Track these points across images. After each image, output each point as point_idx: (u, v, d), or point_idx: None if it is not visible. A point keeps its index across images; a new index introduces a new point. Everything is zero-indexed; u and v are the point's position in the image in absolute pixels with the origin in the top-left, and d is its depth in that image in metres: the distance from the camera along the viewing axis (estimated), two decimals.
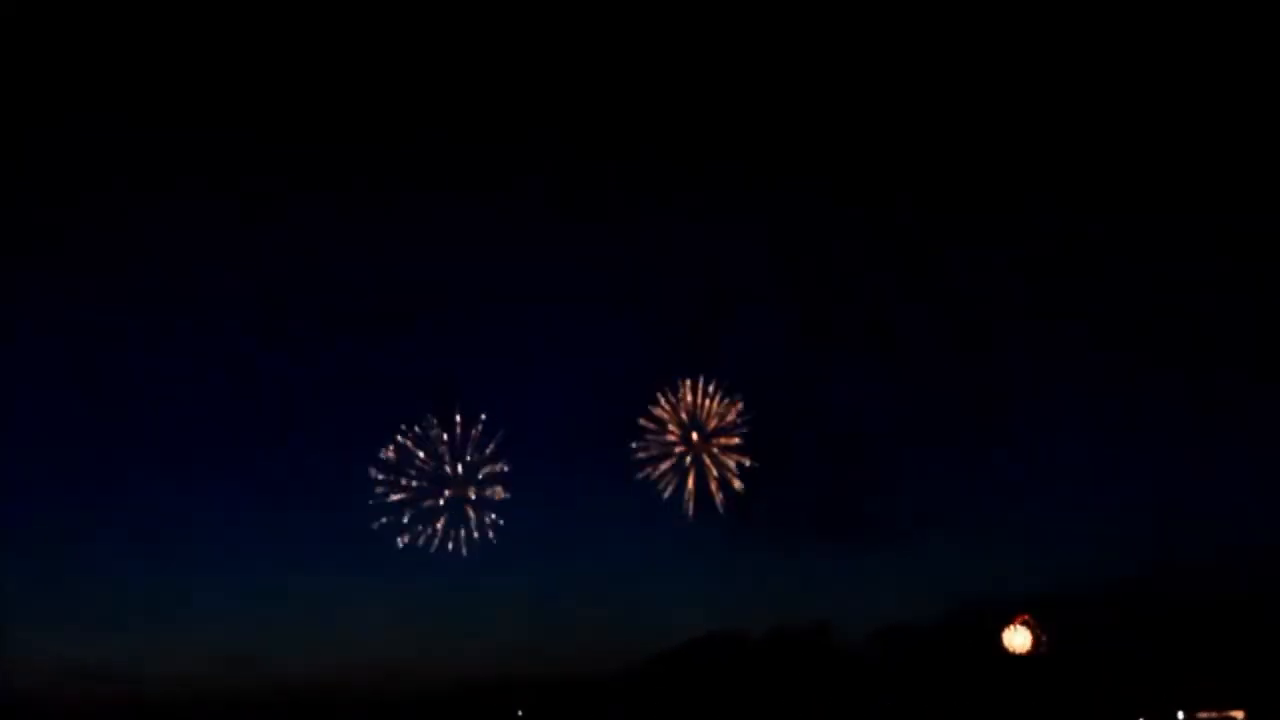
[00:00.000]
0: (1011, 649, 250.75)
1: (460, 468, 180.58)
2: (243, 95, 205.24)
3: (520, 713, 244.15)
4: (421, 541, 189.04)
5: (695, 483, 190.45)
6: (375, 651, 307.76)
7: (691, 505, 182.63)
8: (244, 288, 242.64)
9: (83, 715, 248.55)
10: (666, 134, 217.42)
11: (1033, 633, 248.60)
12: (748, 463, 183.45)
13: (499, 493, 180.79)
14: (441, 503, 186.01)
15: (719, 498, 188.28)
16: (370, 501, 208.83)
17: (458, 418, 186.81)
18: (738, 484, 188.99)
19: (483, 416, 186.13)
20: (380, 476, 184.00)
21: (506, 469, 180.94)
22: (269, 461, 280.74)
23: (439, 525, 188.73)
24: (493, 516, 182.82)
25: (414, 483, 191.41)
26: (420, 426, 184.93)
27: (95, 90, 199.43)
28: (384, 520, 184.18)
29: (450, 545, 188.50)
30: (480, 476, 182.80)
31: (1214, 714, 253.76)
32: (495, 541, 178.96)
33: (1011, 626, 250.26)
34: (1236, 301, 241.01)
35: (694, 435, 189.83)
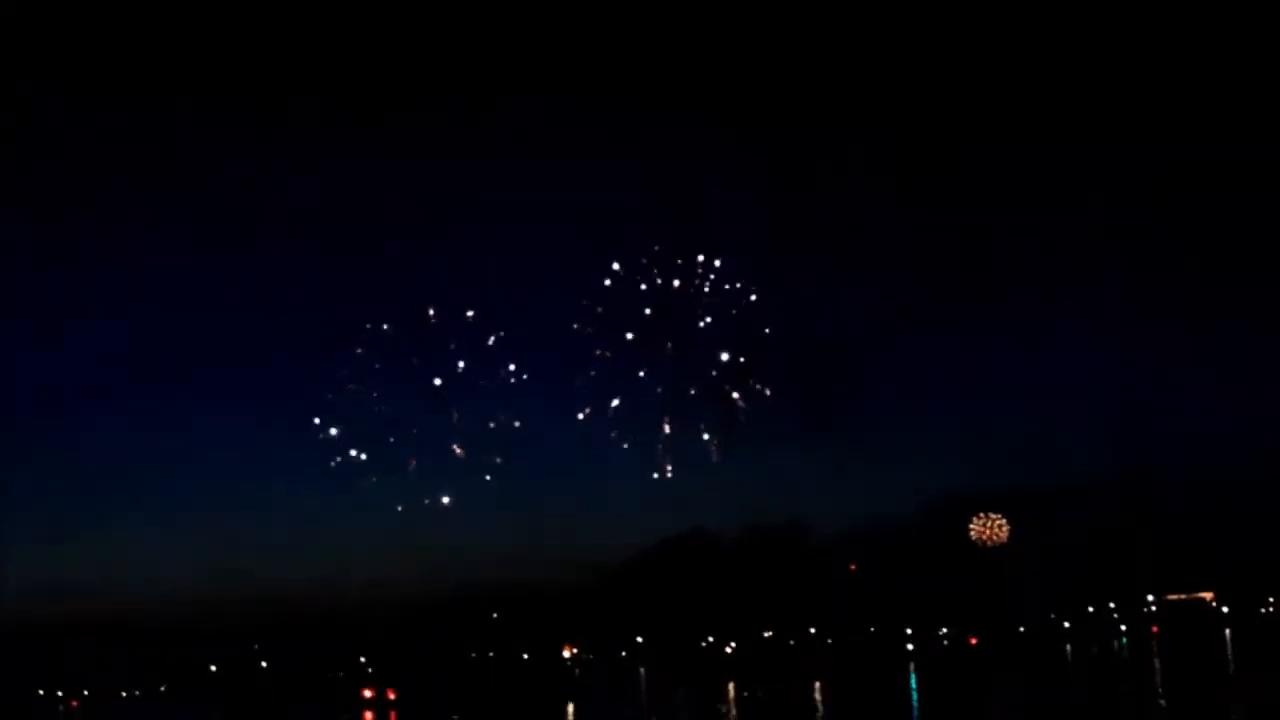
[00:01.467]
0: (981, 541, 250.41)
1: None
2: None
3: (495, 615, 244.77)
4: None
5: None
6: (353, 561, 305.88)
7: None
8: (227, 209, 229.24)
9: (66, 631, 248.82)
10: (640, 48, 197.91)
11: (1003, 526, 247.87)
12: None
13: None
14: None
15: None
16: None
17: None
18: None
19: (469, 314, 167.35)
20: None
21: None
22: (249, 378, 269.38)
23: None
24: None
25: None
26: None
27: None
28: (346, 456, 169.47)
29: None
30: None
31: (1183, 596, 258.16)
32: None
33: (980, 518, 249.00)
34: (1211, 220, 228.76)
35: None
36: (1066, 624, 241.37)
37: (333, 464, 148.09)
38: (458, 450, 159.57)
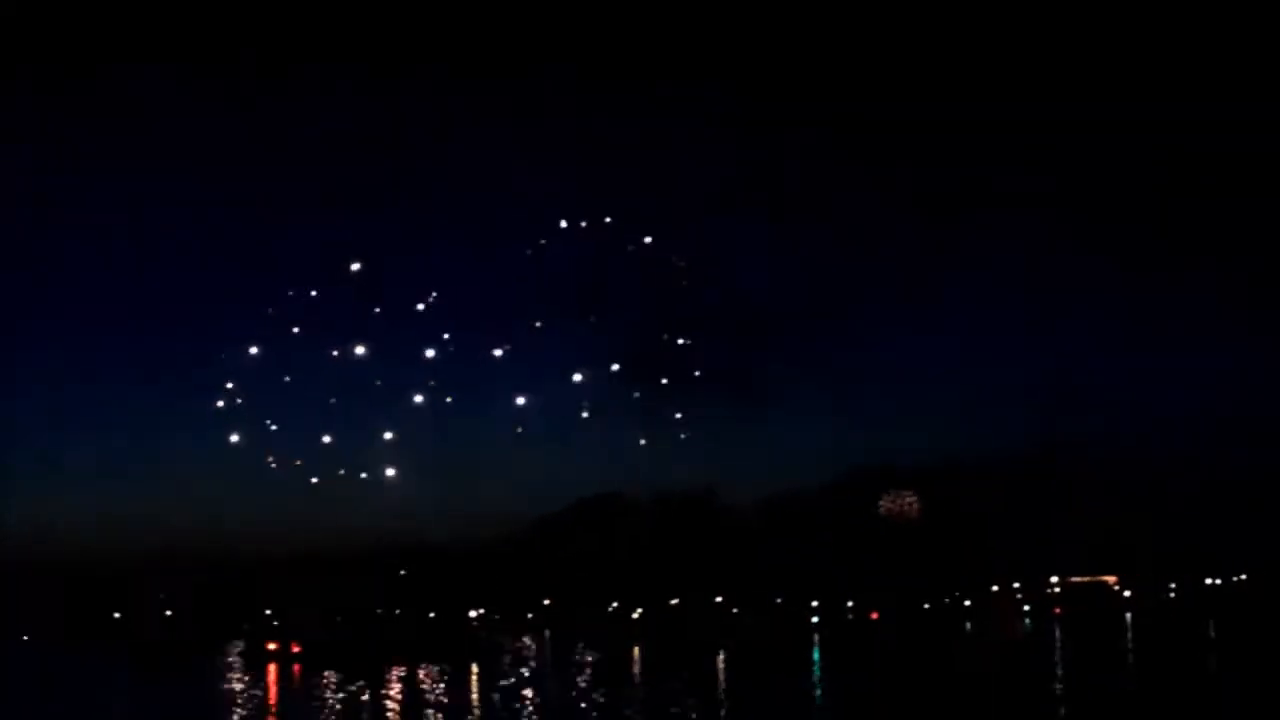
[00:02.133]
0: (890, 516, 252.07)
1: None
2: None
3: (403, 572, 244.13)
4: None
5: None
6: (252, 510, 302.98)
7: None
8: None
9: (52, 575, 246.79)
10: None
11: (913, 503, 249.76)
12: None
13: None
14: None
15: None
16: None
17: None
18: None
19: None
20: None
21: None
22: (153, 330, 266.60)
23: None
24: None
25: None
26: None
27: None
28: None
29: None
30: None
31: (1087, 579, 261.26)
32: None
33: (890, 494, 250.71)
34: (1139, 184, 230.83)
35: None
36: (968, 602, 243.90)
37: (233, 439, 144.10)
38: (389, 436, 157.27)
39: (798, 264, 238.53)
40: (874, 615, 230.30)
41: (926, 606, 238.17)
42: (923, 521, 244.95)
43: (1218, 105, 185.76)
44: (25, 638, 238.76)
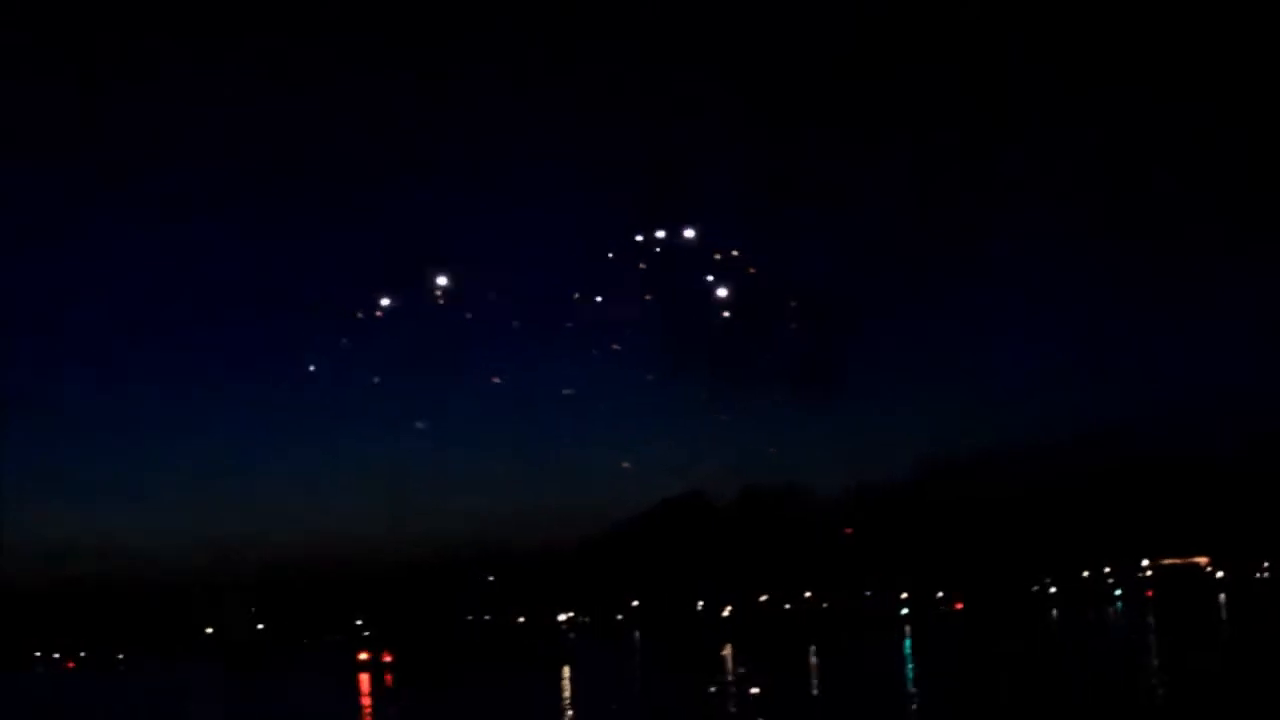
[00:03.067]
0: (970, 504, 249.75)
1: None
2: None
3: (491, 579, 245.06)
4: None
5: None
6: (345, 525, 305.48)
7: None
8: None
9: (63, 593, 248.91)
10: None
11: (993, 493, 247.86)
12: None
13: None
14: None
15: None
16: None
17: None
18: None
19: None
20: None
21: None
22: (234, 340, 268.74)
23: None
24: None
25: None
26: None
27: None
28: None
29: None
30: None
31: (1179, 561, 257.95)
32: None
33: (971, 485, 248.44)
34: (1183, 174, 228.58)
35: None
36: (1054, 589, 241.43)
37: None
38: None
39: (864, 257, 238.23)
40: (958, 605, 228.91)
41: (1010, 595, 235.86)
42: (1006, 512, 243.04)
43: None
44: (120, 655, 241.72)
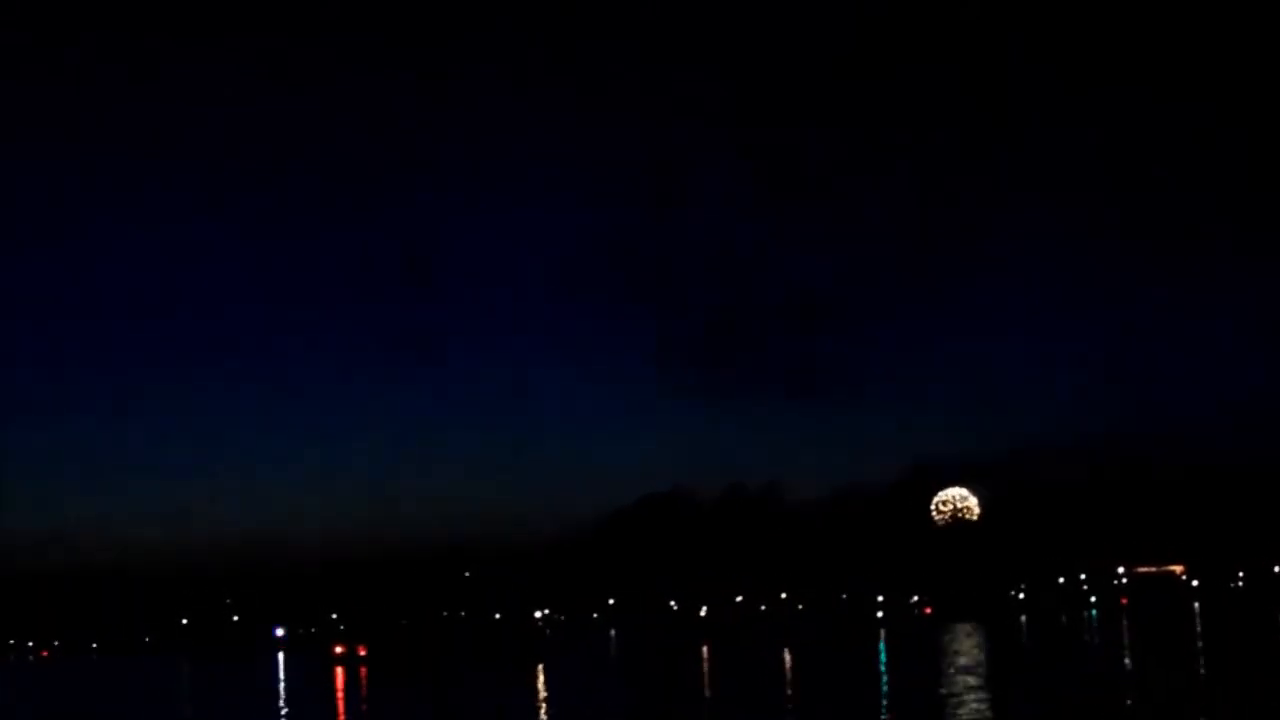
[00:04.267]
0: (947, 518, 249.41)
1: None
2: None
3: (467, 574, 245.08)
4: None
5: None
6: (322, 519, 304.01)
7: None
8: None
9: (25, 584, 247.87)
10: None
11: (967, 501, 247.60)
12: None
13: None
14: None
15: None
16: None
17: None
18: None
19: None
20: None
21: None
22: (208, 317, 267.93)
23: None
24: None
25: None
26: None
27: None
28: None
29: None
30: None
31: (1154, 569, 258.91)
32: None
33: (944, 495, 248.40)
34: (1205, 171, 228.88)
35: None
36: (1028, 595, 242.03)
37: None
38: None
39: (860, 257, 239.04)
40: (928, 610, 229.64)
41: (986, 601, 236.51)
42: (983, 517, 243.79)
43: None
44: (94, 645, 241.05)
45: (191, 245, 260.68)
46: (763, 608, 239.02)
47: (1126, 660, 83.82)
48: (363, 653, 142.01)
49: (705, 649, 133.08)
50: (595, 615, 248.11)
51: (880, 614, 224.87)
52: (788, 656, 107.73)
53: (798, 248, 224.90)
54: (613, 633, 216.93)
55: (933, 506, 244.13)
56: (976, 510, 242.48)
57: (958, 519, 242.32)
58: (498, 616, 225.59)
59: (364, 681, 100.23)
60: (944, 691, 56.22)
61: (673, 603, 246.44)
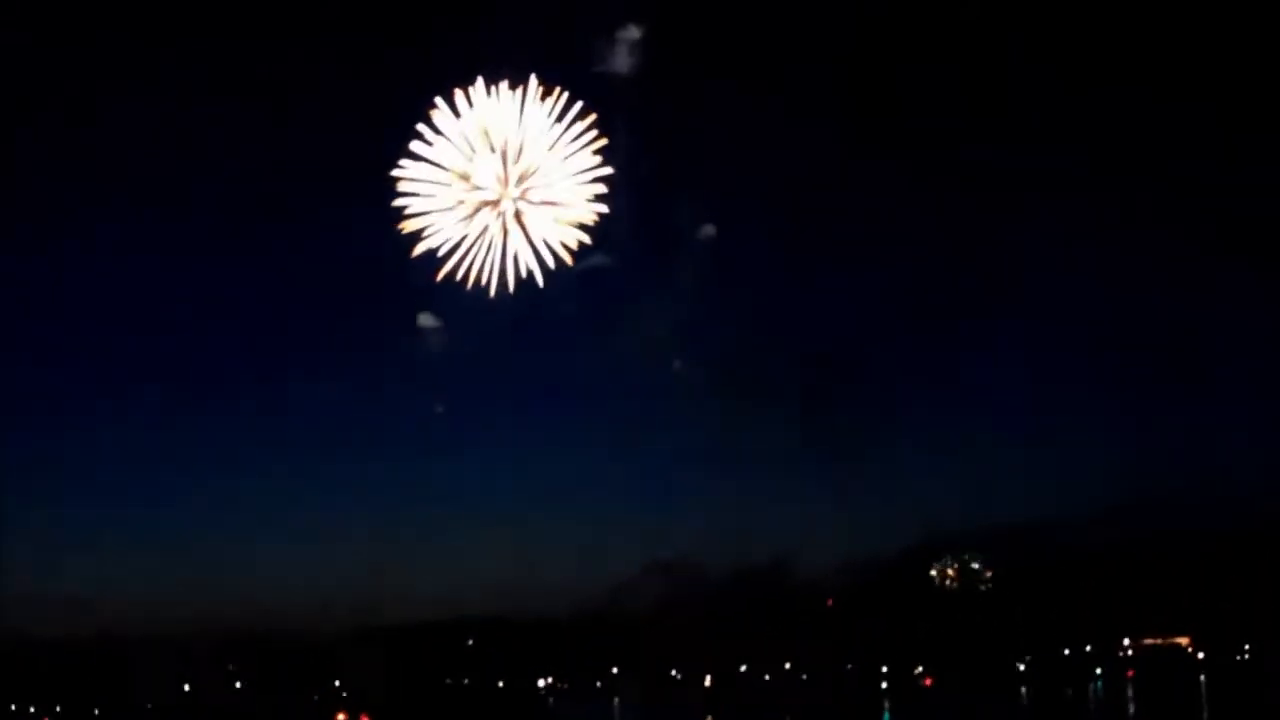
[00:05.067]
0: (950, 585, 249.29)
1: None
2: None
3: (470, 642, 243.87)
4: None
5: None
6: (325, 586, 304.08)
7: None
8: None
9: (50, 648, 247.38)
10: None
11: (976, 568, 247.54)
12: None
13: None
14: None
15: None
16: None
17: None
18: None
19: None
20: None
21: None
22: (222, 400, 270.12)
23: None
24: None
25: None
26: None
27: None
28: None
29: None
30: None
31: (1160, 640, 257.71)
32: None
33: (948, 562, 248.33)
34: (1228, 241, 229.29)
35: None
36: (1033, 666, 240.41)
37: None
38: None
39: (876, 321, 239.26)
40: (928, 681, 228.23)
41: (995, 671, 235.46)
42: (989, 588, 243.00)
43: None
44: (96, 711, 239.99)
45: (204, 315, 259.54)
46: (766, 677, 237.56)
47: None
48: None
49: (710, 718, 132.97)
50: (599, 684, 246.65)
51: (885, 685, 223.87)
52: None
53: (812, 312, 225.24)
54: (616, 701, 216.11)
55: (937, 576, 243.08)
56: (982, 580, 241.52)
57: (962, 589, 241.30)
58: (500, 684, 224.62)
59: None
60: None
61: (675, 672, 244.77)
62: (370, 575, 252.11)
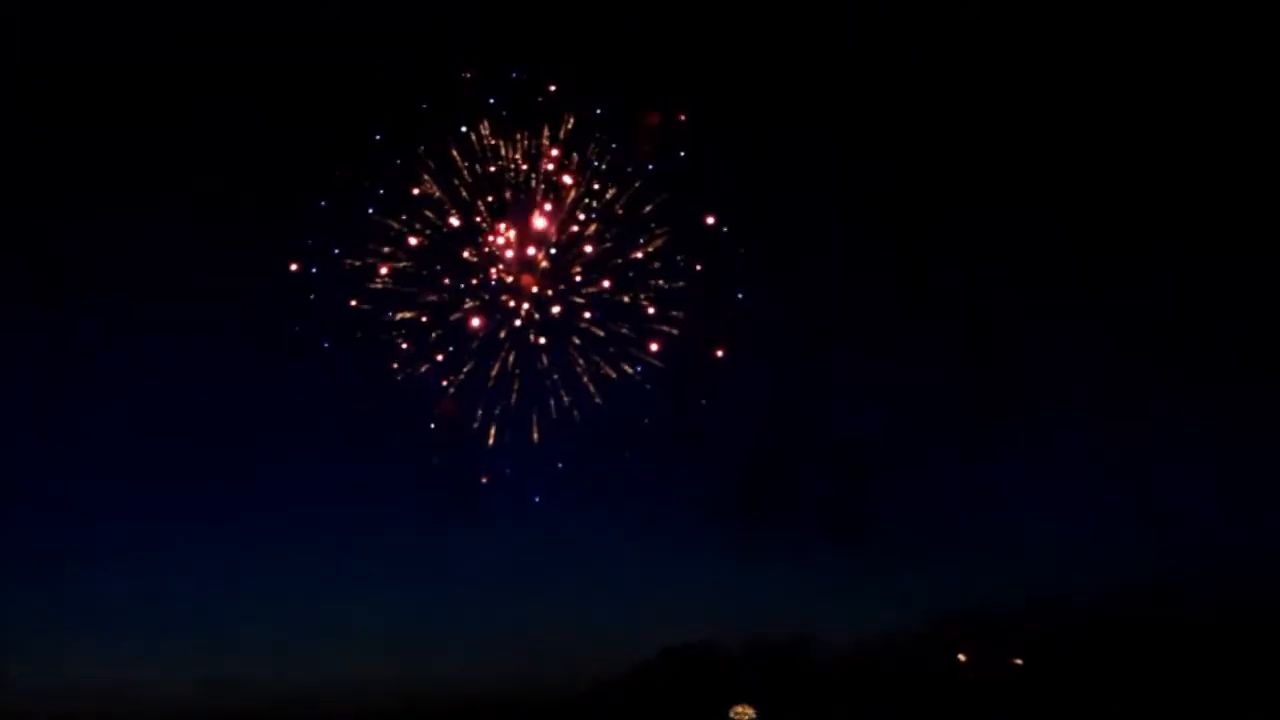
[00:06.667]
0: (972, 675, 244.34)
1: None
2: None
3: None
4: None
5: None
6: (344, 670, 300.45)
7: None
8: None
9: None
10: None
11: (997, 657, 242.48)
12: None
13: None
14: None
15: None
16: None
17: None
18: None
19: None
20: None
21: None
22: (229, 484, 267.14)
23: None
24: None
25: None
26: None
27: None
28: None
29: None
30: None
31: None
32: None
33: (968, 649, 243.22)
34: (1237, 307, 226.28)
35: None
36: None
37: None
38: None
39: (891, 403, 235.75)
40: None
41: None
42: (1010, 672, 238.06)
43: None
44: None
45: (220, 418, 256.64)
46: None
47: None
48: None
49: None
50: None
51: None
52: None
53: (832, 395, 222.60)
54: None
55: (959, 659, 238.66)
56: (1004, 663, 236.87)
57: (983, 673, 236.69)
58: None
59: None
60: None
61: None
62: (396, 661, 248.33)
